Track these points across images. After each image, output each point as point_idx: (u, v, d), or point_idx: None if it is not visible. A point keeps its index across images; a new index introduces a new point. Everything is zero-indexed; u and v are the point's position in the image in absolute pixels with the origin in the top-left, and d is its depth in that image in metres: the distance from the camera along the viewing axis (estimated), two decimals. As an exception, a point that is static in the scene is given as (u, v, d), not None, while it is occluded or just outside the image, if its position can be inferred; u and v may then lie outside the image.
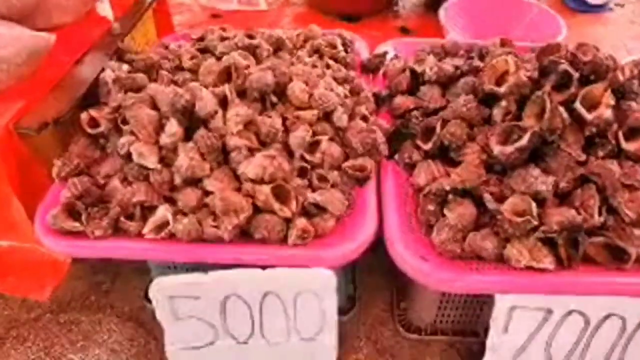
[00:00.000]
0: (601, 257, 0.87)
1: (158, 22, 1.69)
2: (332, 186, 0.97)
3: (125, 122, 1.01)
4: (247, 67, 1.08)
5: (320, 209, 0.93)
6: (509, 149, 0.90)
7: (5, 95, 1.09)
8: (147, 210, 0.96)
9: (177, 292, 0.94)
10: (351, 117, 1.09)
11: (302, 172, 0.98)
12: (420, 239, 0.92)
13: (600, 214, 0.86)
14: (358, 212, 0.97)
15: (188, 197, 0.93)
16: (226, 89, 0.99)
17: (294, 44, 1.35)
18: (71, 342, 1.20)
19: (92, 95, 1.15)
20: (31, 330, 1.23)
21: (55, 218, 0.93)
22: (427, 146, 1.03)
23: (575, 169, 0.90)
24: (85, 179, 0.98)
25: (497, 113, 0.99)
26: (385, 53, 1.36)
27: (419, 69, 1.18)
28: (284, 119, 1.02)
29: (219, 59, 1.16)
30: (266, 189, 0.90)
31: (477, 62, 1.13)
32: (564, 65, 0.94)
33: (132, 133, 0.99)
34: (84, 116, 1.05)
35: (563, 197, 0.91)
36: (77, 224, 0.92)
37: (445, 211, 0.91)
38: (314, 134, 1.00)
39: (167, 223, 0.92)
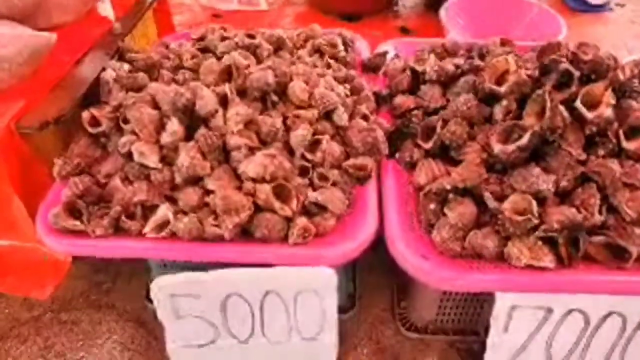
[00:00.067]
0: (602, 256, 0.87)
1: (159, 22, 1.69)
2: (333, 185, 0.97)
3: (126, 121, 1.01)
4: (248, 66, 1.08)
5: (321, 207, 0.94)
6: (510, 148, 0.90)
7: (6, 94, 1.09)
8: (148, 209, 0.96)
9: (178, 290, 0.94)
10: (352, 117, 1.09)
11: (302, 171, 0.98)
12: (420, 237, 0.93)
13: (600, 212, 0.86)
14: (358, 211, 0.97)
15: (189, 196, 0.94)
16: (226, 88, 0.99)
17: (294, 44, 1.35)
18: (72, 342, 1.20)
19: (93, 95, 1.15)
20: (32, 329, 1.23)
21: (56, 217, 0.93)
22: (428, 145, 1.03)
23: (576, 168, 0.90)
24: (86, 178, 0.99)
25: (497, 112, 0.99)
26: (385, 52, 1.36)
27: (419, 68, 1.18)
28: (285, 118, 1.02)
29: (219, 58, 1.17)
30: (267, 187, 0.91)
31: (477, 62, 1.13)
32: (565, 64, 0.94)
33: (133, 132, 0.99)
34: (85, 115, 1.05)
35: (564, 196, 0.91)
36: (78, 223, 0.92)
37: (446, 210, 0.91)
38: (315, 133, 1.00)
39: (168, 222, 0.92)
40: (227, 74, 1.06)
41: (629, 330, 0.90)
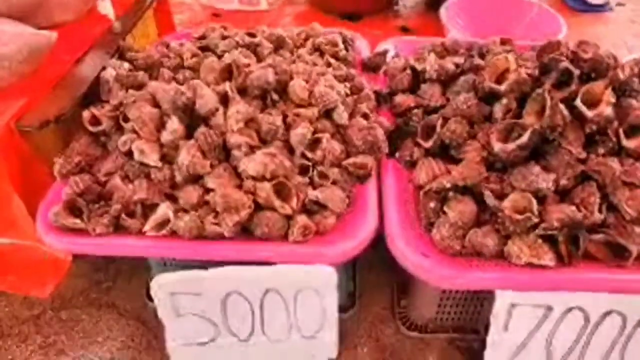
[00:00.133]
0: (601, 254, 0.87)
1: (159, 21, 1.69)
2: (333, 184, 0.97)
3: (126, 119, 1.01)
4: (248, 65, 1.08)
5: (321, 206, 0.94)
6: (510, 146, 0.90)
7: (6, 92, 1.09)
8: (148, 207, 0.96)
9: (178, 288, 0.94)
10: (352, 115, 1.09)
11: (302, 170, 0.98)
12: (421, 236, 0.93)
13: (600, 211, 0.86)
14: (359, 209, 0.98)
15: (189, 194, 0.94)
16: (227, 86, 0.99)
17: (294, 43, 1.35)
18: (72, 340, 1.20)
19: (93, 94, 1.15)
20: (32, 327, 1.23)
21: (56, 215, 0.93)
22: (428, 144, 1.03)
23: (576, 167, 0.90)
24: (86, 177, 0.99)
25: (497, 111, 0.99)
26: (386, 51, 1.36)
27: (419, 67, 1.18)
28: (285, 117, 1.02)
29: (220, 57, 1.17)
30: (267, 186, 0.91)
31: (477, 61, 1.13)
32: (565, 63, 0.94)
33: (133, 131, 0.99)
34: (85, 114, 1.05)
35: (564, 195, 0.91)
36: (78, 221, 0.93)
37: (446, 208, 0.91)
38: (315, 131, 1.00)
39: (168, 220, 0.92)
40: (227, 73, 1.06)
41: (629, 328, 0.90)
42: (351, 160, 1.01)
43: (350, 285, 1.25)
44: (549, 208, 0.87)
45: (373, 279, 1.30)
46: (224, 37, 1.30)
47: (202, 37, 1.35)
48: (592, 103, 0.90)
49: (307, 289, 0.94)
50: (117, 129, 1.05)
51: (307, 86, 1.05)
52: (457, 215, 0.89)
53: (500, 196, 0.89)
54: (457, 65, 1.16)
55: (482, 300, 1.09)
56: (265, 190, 0.90)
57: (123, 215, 0.93)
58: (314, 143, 0.99)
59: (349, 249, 0.92)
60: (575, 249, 0.85)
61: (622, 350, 0.93)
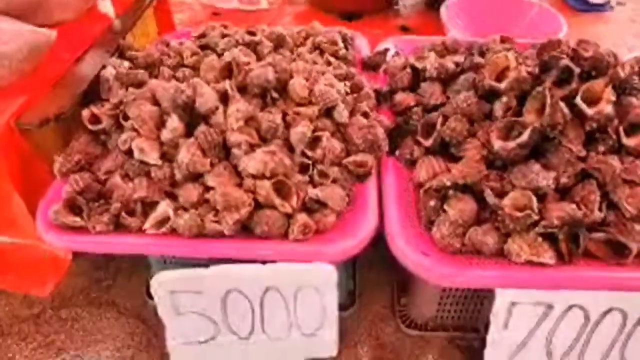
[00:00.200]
0: (602, 252, 0.87)
1: (159, 20, 1.69)
2: (333, 182, 0.97)
3: (126, 118, 1.01)
4: (248, 63, 1.08)
5: (321, 204, 0.94)
6: (510, 144, 0.90)
7: (6, 91, 1.09)
8: (148, 205, 0.96)
9: (178, 286, 0.94)
10: (352, 114, 1.09)
11: (302, 168, 0.98)
12: (421, 234, 0.93)
13: (600, 209, 0.86)
14: (359, 207, 0.98)
15: (189, 192, 0.94)
16: (227, 85, 0.99)
17: (294, 41, 1.35)
18: (72, 338, 1.20)
19: (93, 92, 1.16)
20: (32, 326, 1.23)
21: (56, 213, 0.93)
22: (428, 142, 1.03)
23: (576, 165, 0.90)
24: (86, 175, 0.99)
25: (497, 109, 0.99)
26: (386, 51, 1.36)
27: (419, 65, 1.19)
28: (285, 115, 1.02)
29: (220, 55, 1.17)
30: (267, 184, 0.91)
31: (477, 59, 1.13)
32: (565, 61, 0.94)
33: (133, 129, 0.99)
34: (85, 113, 1.05)
35: (564, 193, 0.91)
36: (78, 219, 0.93)
37: (446, 207, 0.91)
38: (315, 130, 1.00)
39: (168, 219, 0.92)
40: (227, 71, 1.06)
41: (629, 326, 0.90)
42: (351, 158, 1.01)
43: (350, 284, 1.25)
44: (549, 206, 0.87)
45: (373, 278, 1.30)
46: (224, 36, 1.30)
47: (202, 36, 1.35)
48: (592, 101, 0.90)
49: (307, 287, 0.94)
50: (117, 127, 1.05)
51: (308, 84, 1.05)
52: (457, 214, 0.89)
53: (501, 194, 0.89)
54: (457, 64, 1.16)
55: (482, 298, 1.09)
56: (265, 188, 0.90)
57: (123, 214, 0.93)
58: (314, 141, 0.99)
59: (349, 248, 0.92)
60: (576, 247, 0.85)
61: (622, 348, 0.93)
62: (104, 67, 1.18)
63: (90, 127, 1.05)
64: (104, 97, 1.15)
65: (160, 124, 0.98)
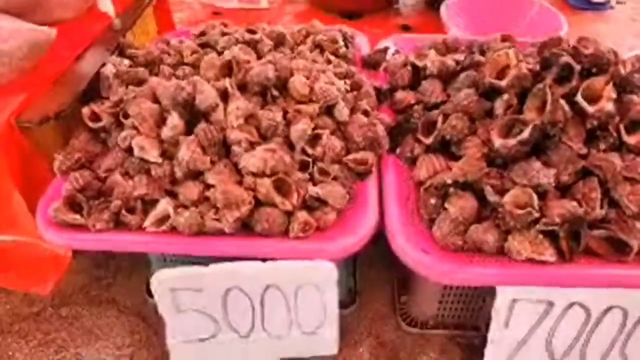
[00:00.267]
0: (602, 249, 0.87)
1: (159, 19, 1.69)
2: (334, 180, 0.97)
3: (126, 116, 1.01)
4: (248, 61, 1.08)
5: (322, 202, 0.93)
6: (511, 142, 0.90)
7: (7, 89, 1.09)
8: (148, 203, 0.96)
9: (178, 284, 0.94)
10: (352, 112, 1.09)
11: (303, 166, 0.98)
12: (421, 232, 0.92)
13: (601, 206, 0.86)
14: (359, 205, 0.97)
15: (189, 190, 0.94)
16: (227, 82, 0.99)
17: (294, 40, 1.35)
18: (72, 336, 1.20)
19: (93, 90, 1.16)
20: (32, 324, 1.23)
21: (56, 211, 0.93)
22: (428, 140, 1.03)
23: (577, 162, 0.90)
24: (86, 173, 0.99)
25: (498, 106, 0.99)
26: (386, 49, 1.36)
27: (420, 63, 1.18)
28: (285, 113, 1.02)
29: (220, 53, 1.17)
30: (267, 182, 0.90)
31: (478, 57, 1.13)
32: (566, 58, 0.94)
33: (133, 127, 0.99)
34: (85, 111, 1.05)
35: (564, 190, 0.91)
36: (78, 217, 0.93)
37: (447, 204, 0.91)
38: (315, 127, 1.00)
39: (168, 216, 0.92)
40: (227, 69, 1.06)
41: (630, 324, 0.90)
42: (352, 156, 1.01)
43: (351, 282, 1.25)
44: (550, 203, 0.86)
45: (373, 275, 1.29)
46: (224, 34, 1.30)
47: (202, 34, 1.35)
48: (592, 98, 0.90)
49: (307, 284, 0.94)
50: (117, 125, 1.05)
51: (308, 82, 1.05)
52: (458, 211, 0.89)
53: (501, 192, 0.89)
54: (457, 62, 1.16)
55: (482, 296, 1.09)
56: (265, 186, 0.90)
57: (123, 211, 0.93)
58: (314, 139, 0.99)
59: (349, 245, 0.92)
60: (576, 244, 0.85)
61: (623, 346, 0.93)
62: (104, 65, 1.18)
63: (90, 124, 1.05)
64: (104, 95, 1.15)
65: (161, 121, 0.98)
